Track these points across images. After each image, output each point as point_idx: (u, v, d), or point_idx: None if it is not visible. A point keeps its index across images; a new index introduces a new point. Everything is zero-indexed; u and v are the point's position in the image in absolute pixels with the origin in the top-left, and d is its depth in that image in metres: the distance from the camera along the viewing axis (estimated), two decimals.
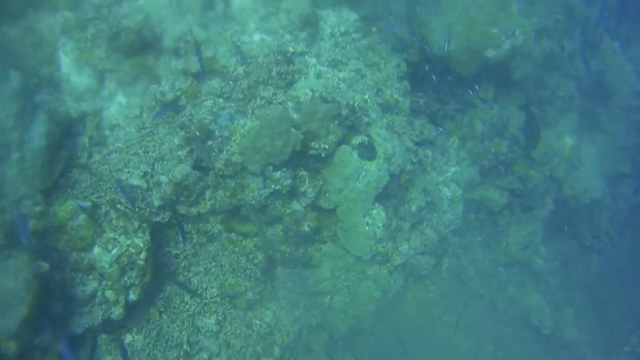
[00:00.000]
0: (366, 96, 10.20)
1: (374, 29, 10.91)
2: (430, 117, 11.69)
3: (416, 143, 10.97)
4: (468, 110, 12.40)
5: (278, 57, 9.43)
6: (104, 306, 8.39)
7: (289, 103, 9.26)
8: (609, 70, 15.21)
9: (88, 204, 8.37)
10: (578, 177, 14.09)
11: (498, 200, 13.18)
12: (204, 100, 9.17)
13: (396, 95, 10.62)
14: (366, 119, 9.95)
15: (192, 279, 9.68)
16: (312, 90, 9.36)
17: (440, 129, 11.35)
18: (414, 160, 10.71)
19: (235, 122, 9.07)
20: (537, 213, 13.81)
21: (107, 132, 9.00)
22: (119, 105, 9.09)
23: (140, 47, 8.98)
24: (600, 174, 14.61)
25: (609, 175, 15.36)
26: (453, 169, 12.00)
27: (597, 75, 14.78)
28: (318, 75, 9.83)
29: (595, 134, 15.20)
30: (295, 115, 9.11)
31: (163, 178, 8.73)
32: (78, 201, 8.31)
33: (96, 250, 8.40)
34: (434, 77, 11.08)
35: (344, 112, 9.45)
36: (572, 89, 13.85)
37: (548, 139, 13.28)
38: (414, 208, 10.74)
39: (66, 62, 8.85)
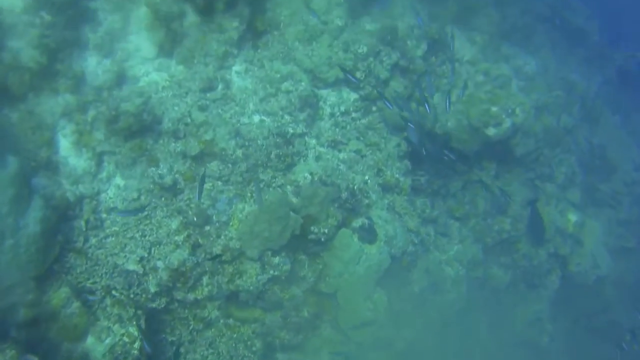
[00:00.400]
0: (366, 177, 10.12)
1: (374, 108, 10.92)
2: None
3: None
4: (470, 187, 12.31)
5: (277, 140, 9.39)
6: None
7: (288, 187, 9.17)
8: (611, 144, 15.21)
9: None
10: (583, 253, 13.85)
11: (502, 277, 12.91)
12: None
13: (397, 175, 10.53)
14: (366, 201, 9.84)
15: None
16: (311, 174, 9.28)
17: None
18: (416, 241, 10.53)
19: (234, 206, 8.95)
20: (543, 291, 13.52)
21: (104, 215, 8.87)
22: (116, 188, 9.01)
23: (139, 130, 8.97)
24: (605, 250, 14.36)
25: (614, 250, 15.10)
26: (456, 248, 11.78)
27: (598, 149, 14.77)
28: (317, 158, 9.78)
29: (598, 208, 15.06)
30: (294, 199, 9.00)
31: (160, 263, 8.55)
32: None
33: (89, 340, 8.14)
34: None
35: (344, 195, 9.35)
36: (574, 164, 13.79)
37: (551, 216, 13.12)
38: (416, 289, 10.49)
39: (65, 144, 8.83)
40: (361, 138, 10.54)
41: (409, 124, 10.56)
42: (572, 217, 13.70)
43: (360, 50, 10.44)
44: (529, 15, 15.27)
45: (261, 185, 9.11)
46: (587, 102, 14.94)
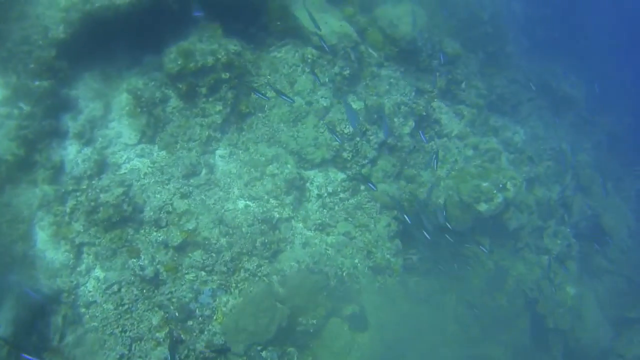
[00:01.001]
0: (356, 260, 9.80)
1: (362, 187, 10.69)
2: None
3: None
4: (465, 266, 11.96)
5: (262, 227, 9.12)
6: None
7: (274, 276, 8.83)
8: (605, 212, 14.97)
9: None
10: (584, 327, 13.39)
11: (501, 357, 12.39)
12: (186, 273, 8.73)
13: (388, 256, 10.20)
14: (357, 286, 9.49)
15: None
16: (298, 262, 8.97)
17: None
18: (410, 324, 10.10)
19: (217, 299, 8.58)
20: None
21: (82, 310, 8.48)
22: (96, 281, 8.64)
23: (119, 220, 8.69)
24: (606, 322, 13.92)
25: (615, 321, 14.63)
26: (451, 328, 11.33)
27: (592, 218, 14.53)
28: (304, 244, 9.49)
29: (596, 279, 14.71)
30: (280, 289, 8.65)
31: None
32: None
33: None
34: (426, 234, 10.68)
35: (333, 282, 9.01)
36: (569, 236, 13.50)
37: (549, 291, 12.74)
38: None
39: (42, 237, 8.53)
40: (350, 219, 10.26)
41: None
42: (571, 290, 13.32)
43: (346, 131, 10.31)
44: (515, 85, 15.32)
45: (246, 275, 8.77)
46: (579, 170, 14.78)
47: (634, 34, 25.86)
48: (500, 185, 10.94)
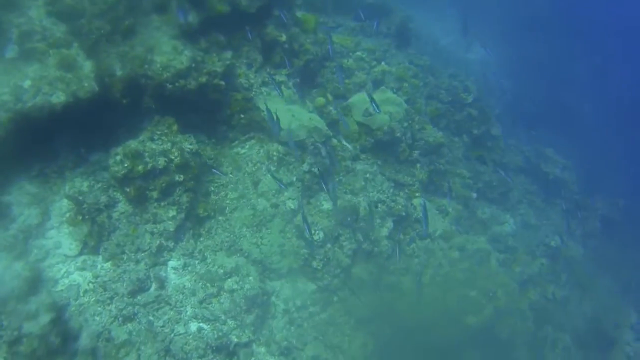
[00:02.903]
0: None
1: (335, 298, 9.52)
2: None
3: None
4: None
5: (216, 357, 7.85)
6: None
7: None
8: (605, 312, 13.78)
9: None
10: None
11: None
12: None
13: None
14: None
15: None
16: None
17: None
18: None
19: None
20: None
21: None
22: None
23: (46, 353, 7.40)
24: None
25: None
26: None
27: (592, 322, 13.31)
28: None
29: None
30: None
31: None
32: None
33: None
34: None
35: None
36: (567, 341, 12.26)
37: None
38: None
39: None
40: (320, 338, 9.02)
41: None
42: None
43: (316, 237, 9.21)
44: (503, 170, 14.42)
45: None
46: (574, 266, 13.66)
47: (625, 112, 25.43)
48: (490, 294, 9.79)
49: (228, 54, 9.85)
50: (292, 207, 9.37)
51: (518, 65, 22.35)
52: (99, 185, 8.82)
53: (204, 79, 9.04)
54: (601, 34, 29.65)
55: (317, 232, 9.27)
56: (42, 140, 8.56)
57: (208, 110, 9.83)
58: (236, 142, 10.00)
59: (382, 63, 13.56)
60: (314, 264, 9.19)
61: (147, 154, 8.56)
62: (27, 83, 7.87)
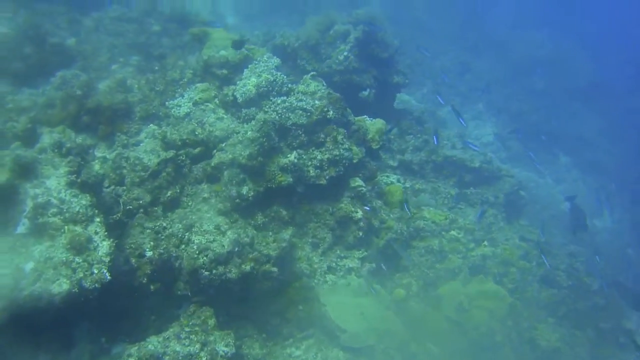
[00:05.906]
0: None
1: None
2: None
3: None
4: None
5: None
6: None
7: None
8: None
9: None
10: None
11: None
12: None
13: None
14: None
15: None
16: None
17: None
18: None
19: None
20: None
21: None
22: None
23: None
24: None
25: None
26: None
27: None
28: None
29: None
30: None
31: None
32: None
33: None
34: None
35: None
36: None
37: None
38: None
39: None
40: None
41: None
42: None
43: None
44: None
45: None
46: None
47: None
48: None
49: (287, 233, 8.14)
50: None
51: None
52: None
53: (247, 267, 7.33)
54: None
55: None
56: (54, 327, 7.09)
57: (259, 299, 8.04)
58: (290, 340, 8.04)
59: (484, 243, 11.16)
60: None
61: (167, 358, 6.79)
62: (29, 266, 6.52)
